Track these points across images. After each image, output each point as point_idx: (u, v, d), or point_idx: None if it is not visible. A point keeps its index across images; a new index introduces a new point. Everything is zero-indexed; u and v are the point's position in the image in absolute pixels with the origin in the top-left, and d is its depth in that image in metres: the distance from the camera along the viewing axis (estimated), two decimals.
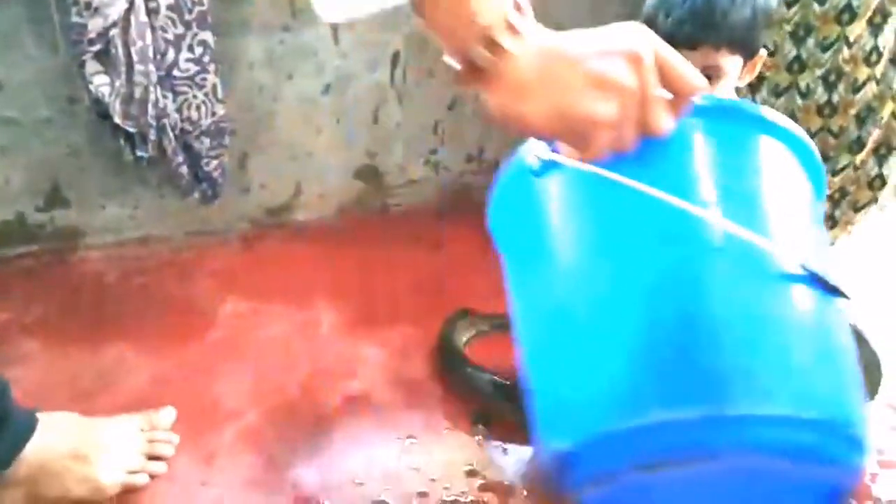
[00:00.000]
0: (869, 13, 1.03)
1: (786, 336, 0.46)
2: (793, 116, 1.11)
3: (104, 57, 1.02)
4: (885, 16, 1.03)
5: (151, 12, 1.01)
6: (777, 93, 1.10)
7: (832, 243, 1.19)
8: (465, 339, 1.03)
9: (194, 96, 1.09)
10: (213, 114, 1.11)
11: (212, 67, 1.08)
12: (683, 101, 0.47)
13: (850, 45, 1.05)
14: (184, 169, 1.14)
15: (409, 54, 1.24)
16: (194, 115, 1.10)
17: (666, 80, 0.45)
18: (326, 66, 1.23)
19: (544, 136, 0.49)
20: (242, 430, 0.89)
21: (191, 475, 0.83)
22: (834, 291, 0.47)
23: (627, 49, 0.44)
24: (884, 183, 1.15)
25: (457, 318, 1.06)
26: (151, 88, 1.04)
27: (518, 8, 0.44)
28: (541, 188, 0.54)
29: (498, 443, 0.88)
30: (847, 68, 1.06)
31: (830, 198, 1.16)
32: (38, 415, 0.78)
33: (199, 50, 1.06)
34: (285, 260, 1.25)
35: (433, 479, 0.83)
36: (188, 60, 1.06)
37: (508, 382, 0.92)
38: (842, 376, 0.47)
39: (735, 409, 0.42)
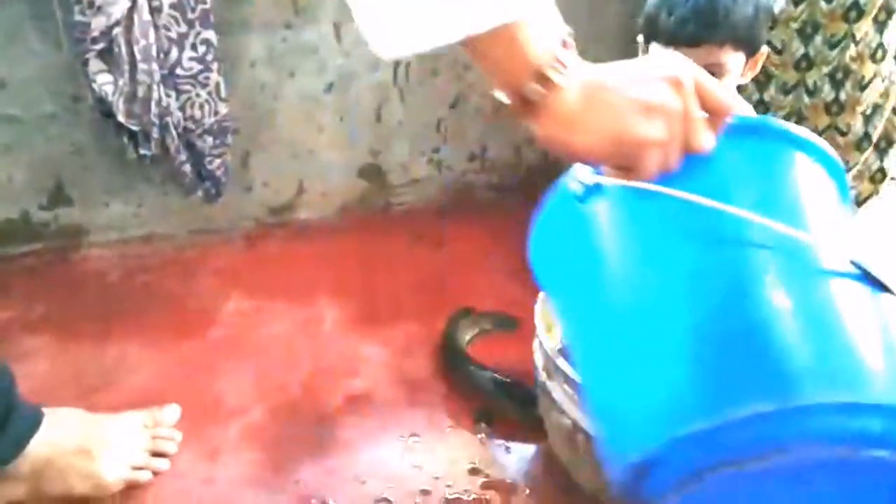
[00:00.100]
0: (875, 10, 1.03)
1: (845, 327, 0.47)
2: (800, 114, 1.11)
3: (107, 55, 1.03)
4: (890, 12, 1.03)
5: (154, 11, 1.01)
6: (785, 91, 1.10)
7: None
8: (467, 337, 1.03)
9: (197, 95, 1.09)
10: (216, 112, 1.12)
11: (215, 66, 1.08)
12: (720, 120, 0.50)
13: (856, 43, 1.05)
14: (187, 167, 1.14)
15: None
16: (197, 113, 1.10)
17: (703, 101, 0.49)
18: (329, 64, 1.23)
19: (595, 161, 0.52)
20: (245, 427, 0.90)
21: (194, 472, 0.83)
22: (882, 287, 0.49)
23: (668, 74, 0.47)
24: (884, 176, 1.16)
25: (459, 317, 1.06)
26: (154, 87, 1.04)
27: (564, 44, 0.47)
28: (586, 213, 0.56)
29: (500, 441, 0.88)
30: (854, 66, 1.06)
31: None
32: (43, 410, 0.78)
33: (202, 48, 1.06)
34: (288, 258, 1.25)
35: (436, 477, 0.83)
36: (191, 59, 1.06)
37: (510, 380, 0.92)
38: None
39: (806, 399, 0.43)
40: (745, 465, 0.44)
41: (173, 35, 1.04)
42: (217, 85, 1.10)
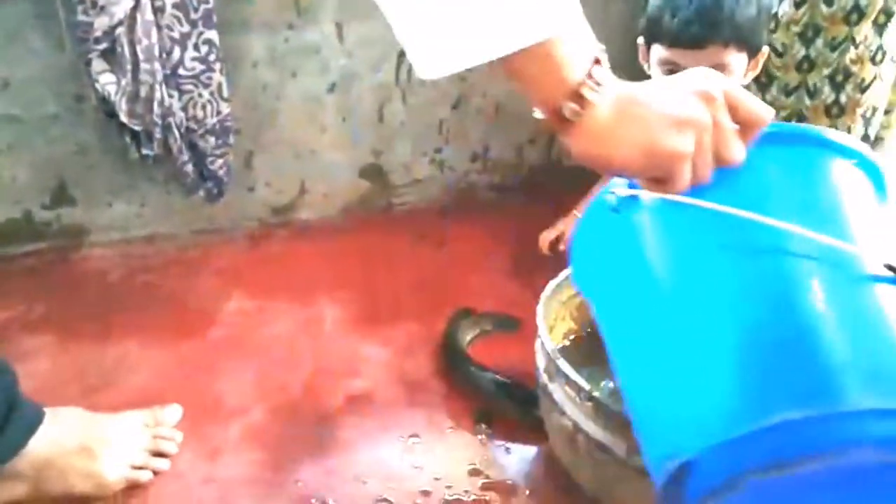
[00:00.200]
0: (875, 13, 1.03)
1: (888, 332, 0.47)
2: (801, 116, 1.11)
3: (110, 55, 1.03)
4: (890, 15, 1.03)
5: (157, 11, 1.02)
6: (787, 92, 1.10)
7: None
8: (468, 338, 1.03)
9: (200, 95, 1.09)
10: (219, 112, 1.12)
11: (217, 66, 1.08)
12: (753, 132, 0.51)
13: (856, 45, 1.05)
14: (189, 167, 1.14)
15: None
16: (200, 113, 1.10)
17: (735, 113, 0.50)
18: (331, 64, 1.23)
19: (628, 174, 0.53)
20: (246, 427, 0.90)
21: (194, 472, 0.83)
22: None
23: (699, 89, 0.49)
24: None
25: (460, 317, 1.06)
26: (157, 87, 1.04)
27: (598, 62, 0.48)
28: (622, 223, 0.58)
29: (501, 442, 0.88)
30: (854, 68, 1.06)
31: None
32: (44, 409, 0.78)
33: (204, 49, 1.06)
34: (290, 258, 1.25)
35: (436, 478, 0.83)
36: (194, 59, 1.06)
37: (511, 381, 0.92)
38: None
39: (849, 406, 0.44)
40: (787, 469, 0.44)
41: (176, 35, 1.04)
42: (219, 85, 1.10)
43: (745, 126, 0.50)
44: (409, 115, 1.31)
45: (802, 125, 0.67)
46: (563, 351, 0.80)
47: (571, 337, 0.92)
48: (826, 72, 1.08)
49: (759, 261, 0.51)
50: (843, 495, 0.48)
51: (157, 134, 1.08)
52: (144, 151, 1.11)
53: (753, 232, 0.50)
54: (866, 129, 1.11)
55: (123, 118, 1.05)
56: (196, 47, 1.06)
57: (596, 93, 0.47)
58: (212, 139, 1.13)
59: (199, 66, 1.07)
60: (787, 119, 1.11)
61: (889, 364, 0.46)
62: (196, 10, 1.04)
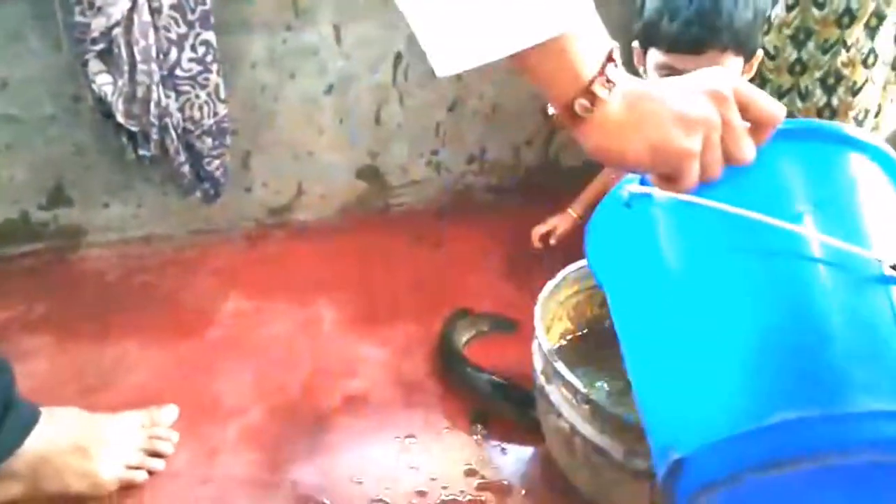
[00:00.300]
0: (867, 16, 1.04)
1: (890, 333, 0.48)
2: (793, 118, 1.11)
3: (107, 56, 1.03)
4: (881, 18, 1.04)
5: (154, 12, 1.02)
6: (779, 95, 1.11)
7: None
8: (464, 338, 1.04)
9: (196, 96, 1.09)
10: (216, 113, 1.12)
11: (214, 67, 1.09)
12: (765, 130, 0.51)
13: (848, 49, 1.05)
14: (186, 168, 1.14)
15: (411, 55, 1.25)
16: (196, 114, 1.10)
17: (748, 112, 0.50)
18: (329, 66, 1.23)
19: (639, 170, 0.54)
20: (243, 427, 0.90)
21: (191, 472, 0.84)
22: None
23: (709, 88, 0.49)
24: None
25: (457, 318, 1.06)
26: (154, 88, 1.04)
27: (611, 59, 0.48)
28: (634, 218, 0.58)
29: (496, 442, 0.88)
30: (846, 71, 1.07)
31: None
32: (41, 409, 0.78)
33: (201, 49, 1.07)
34: (287, 259, 1.25)
35: (432, 479, 0.83)
36: (191, 60, 1.06)
37: (507, 382, 0.92)
38: None
39: (854, 407, 0.44)
40: (786, 468, 0.45)
41: (173, 36, 1.04)
42: (216, 86, 1.10)
43: (757, 124, 0.50)
44: (406, 116, 1.32)
45: (818, 120, 0.67)
46: (560, 351, 0.80)
47: (568, 337, 0.93)
48: (818, 75, 1.09)
49: (768, 260, 0.51)
50: (836, 494, 0.49)
51: (154, 135, 1.08)
52: (141, 152, 1.11)
53: (762, 231, 0.51)
54: None
55: (120, 119, 1.05)
56: (193, 48, 1.06)
57: (607, 90, 0.47)
58: (208, 140, 1.13)
59: (196, 67, 1.07)
60: None
61: (892, 365, 0.46)
62: (193, 11, 1.04)
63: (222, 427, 0.90)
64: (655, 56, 0.93)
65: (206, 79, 1.09)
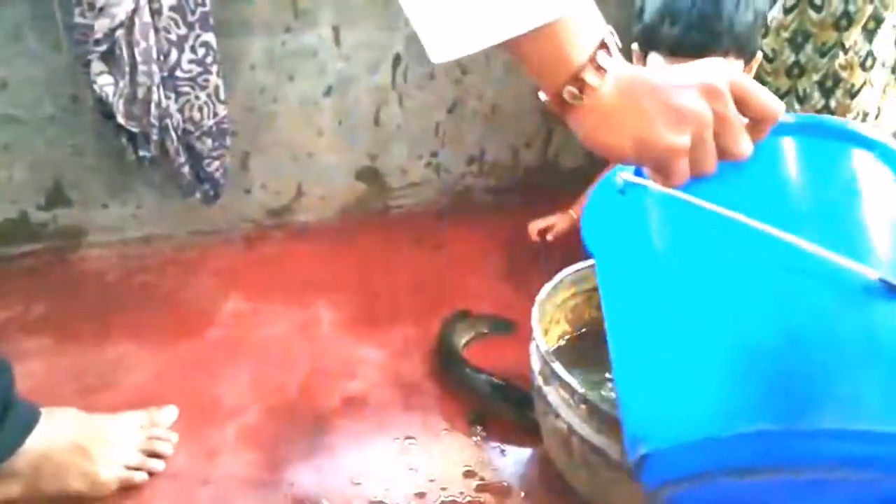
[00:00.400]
0: (864, 19, 1.04)
1: (875, 354, 0.46)
2: None
3: (108, 57, 1.03)
4: (879, 21, 1.04)
5: (154, 13, 1.02)
6: (778, 97, 1.11)
7: None
8: (463, 340, 1.04)
9: (196, 97, 1.09)
10: (215, 115, 1.12)
11: (214, 68, 1.09)
12: (764, 125, 0.49)
13: (846, 51, 1.06)
14: (185, 169, 1.14)
15: (411, 56, 1.25)
16: (196, 115, 1.10)
17: (746, 107, 0.48)
18: (328, 67, 1.23)
19: (625, 162, 0.53)
20: (242, 428, 0.90)
21: (190, 472, 0.84)
22: None
23: (703, 82, 0.47)
24: None
25: (456, 320, 1.07)
26: (154, 89, 1.05)
27: (604, 46, 0.47)
28: (627, 206, 0.57)
29: (495, 443, 0.88)
30: (844, 74, 1.07)
31: None
32: (40, 409, 0.78)
33: (201, 51, 1.07)
34: (286, 260, 1.25)
35: (431, 480, 0.83)
36: (191, 61, 1.07)
37: (506, 383, 0.92)
38: None
39: (827, 423, 0.43)
40: (751, 477, 0.45)
41: (173, 37, 1.04)
42: (216, 87, 1.10)
43: (755, 119, 0.49)
44: (406, 118, 1.32)
45: (823, 116, 0.65)
46: (558, 352, 0.80)
47: (566, 338, 0.93)
48: (816, 77, 1.09)
49: (756, 265, 0.49)
50: (794, 498, 0.49)
51: (154, 136, 1.09)
52: (141, 153, 1.11)
53: (751, 232, 0.49)
54: None
55: (121, 120, 1.06)
56: (193, 50, 1.06)
57: (598, 77, 0.46)
58: (208, 141, 1.14)
59: (196, 69, 1.08)
60: None
61: (869, 382, 0.45)
62: (193, 12, 1.04)
63: (221, 428, 0.90)
64: (656, 59, 0.94)
65: (206, 80, 1.09)
